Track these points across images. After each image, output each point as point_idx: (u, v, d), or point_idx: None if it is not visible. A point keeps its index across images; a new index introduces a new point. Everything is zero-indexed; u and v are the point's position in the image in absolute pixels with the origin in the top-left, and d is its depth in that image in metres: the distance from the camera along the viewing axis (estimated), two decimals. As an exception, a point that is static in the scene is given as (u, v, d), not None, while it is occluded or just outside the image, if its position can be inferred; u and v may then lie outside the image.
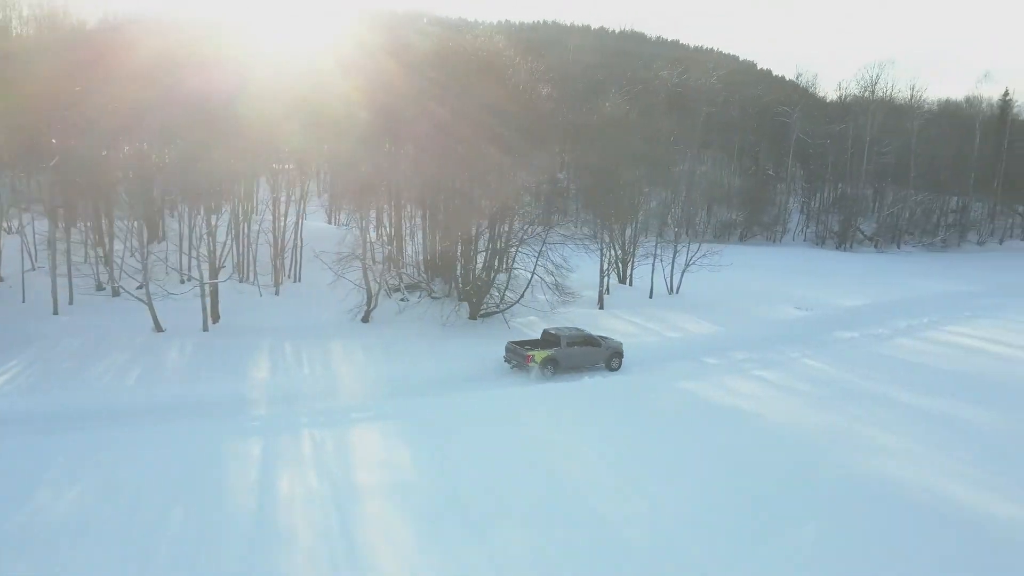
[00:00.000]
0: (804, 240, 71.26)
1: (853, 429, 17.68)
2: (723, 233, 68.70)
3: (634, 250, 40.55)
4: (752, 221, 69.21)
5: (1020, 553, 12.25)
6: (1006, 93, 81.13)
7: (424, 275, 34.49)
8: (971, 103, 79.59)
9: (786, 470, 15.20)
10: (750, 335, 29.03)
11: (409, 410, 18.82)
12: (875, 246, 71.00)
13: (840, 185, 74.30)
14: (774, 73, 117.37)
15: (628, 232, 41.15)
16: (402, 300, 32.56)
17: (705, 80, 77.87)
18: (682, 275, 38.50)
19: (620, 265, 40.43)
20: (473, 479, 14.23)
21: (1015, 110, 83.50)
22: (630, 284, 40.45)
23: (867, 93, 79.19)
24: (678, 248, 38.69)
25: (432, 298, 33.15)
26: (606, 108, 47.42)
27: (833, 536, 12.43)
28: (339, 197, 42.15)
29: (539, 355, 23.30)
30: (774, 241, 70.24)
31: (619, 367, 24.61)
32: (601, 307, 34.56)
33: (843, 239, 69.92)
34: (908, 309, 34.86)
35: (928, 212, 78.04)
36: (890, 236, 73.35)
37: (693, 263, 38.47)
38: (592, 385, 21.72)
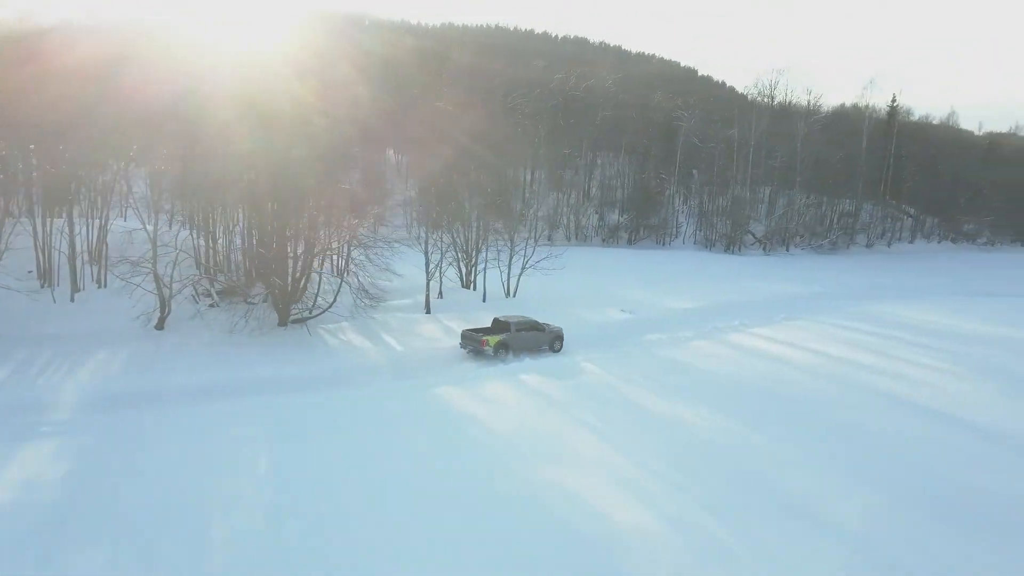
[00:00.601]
0: (694, 243, 71.95)
1: (538, 439, 17.24)
2: (611, 236, 69.06)
3: (476, 254, 39.99)
4: (639, 224, 69.58)
5: (615, 554, 11.87)
6: (893, 99, 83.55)
7: (243, 279, 33.45)
8: (858, 109, 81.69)
9: (462, 480, 14.70)
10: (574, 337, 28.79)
11: (107, 426, 17.71)
12: (763, 249, 72.15)
13: (731, 188, 75.28)
14: (717, 80, 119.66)
15: (472, 235, 40.58)
16: (212, 306, 31.48)
17: (598, 83, 78.32)
18: (518, 278, 38.12)
19: (462, 268, 39.89)
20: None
21: (903, 116, 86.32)
22: (473, 288, 39.92)
23: (764, 98, 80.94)
24: (515, 251, 38.22)
25: (248, 303, 32.12)
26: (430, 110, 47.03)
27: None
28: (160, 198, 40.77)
29: (492, 340, 25.68)
30: (663, 244, 70.79)
31: (560, 349, 27.45)
32: (428, 311, 33.96)
33: (731, 242, 70.82)
34: (734, 311, 35.08)
35: (821, 216, 79.84)
36: (780, 239, 74.69)
37: (530, 266, 38.14)
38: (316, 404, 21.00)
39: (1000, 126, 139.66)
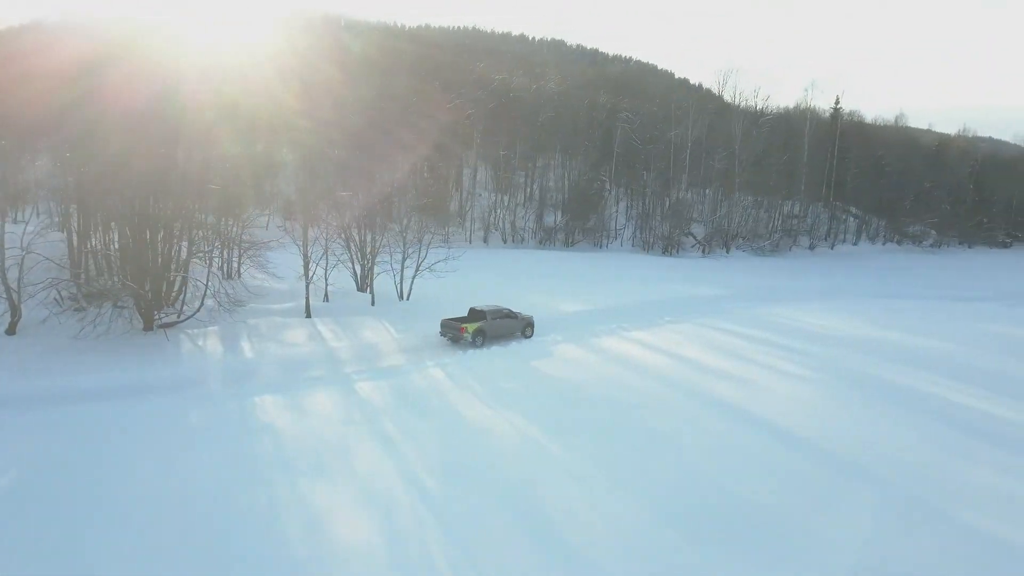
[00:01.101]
0: (632, 246, 71.54)
1: (324, 452, 16.56)
2: (548, 239, 68.48)
3: (373, 256, 39.06)
4: (575, 227, 69.07)
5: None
6: (836, 101, 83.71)
7: (113, 282, 32.46)
8: (801, 111, 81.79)
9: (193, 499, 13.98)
10: (418, 344, 28.04)
11: None
12: (702, 251, 71.88)
13: (671, 190, 74.98)
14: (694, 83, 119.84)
15: (370, 237, 39.67)
16: (77, 309, 30.50)
17: (539, 86, 77.90)
18: (412, 282, 37.36)
19: (357, 270, 39.05)
20: None
21: (853, 118, 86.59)
22: (370, 291, 39.03)
23: (706, 100, 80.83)
24: (408, 253, 37.43)
25: (119, 307, 31.17)
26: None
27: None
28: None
29: (471, 327, 27.58)
30: (601, 247, 70.32)
31: (532, 335, 29.67)
32: (308, 315, 33.12)
33: (669, 244, 70.47)
34: (624, 314, 34.54)
35: (762, 217, 79.78)
36: (721, 241, 74.47)
37: (425, 269, 37.39)
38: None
39: (951, 129, 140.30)
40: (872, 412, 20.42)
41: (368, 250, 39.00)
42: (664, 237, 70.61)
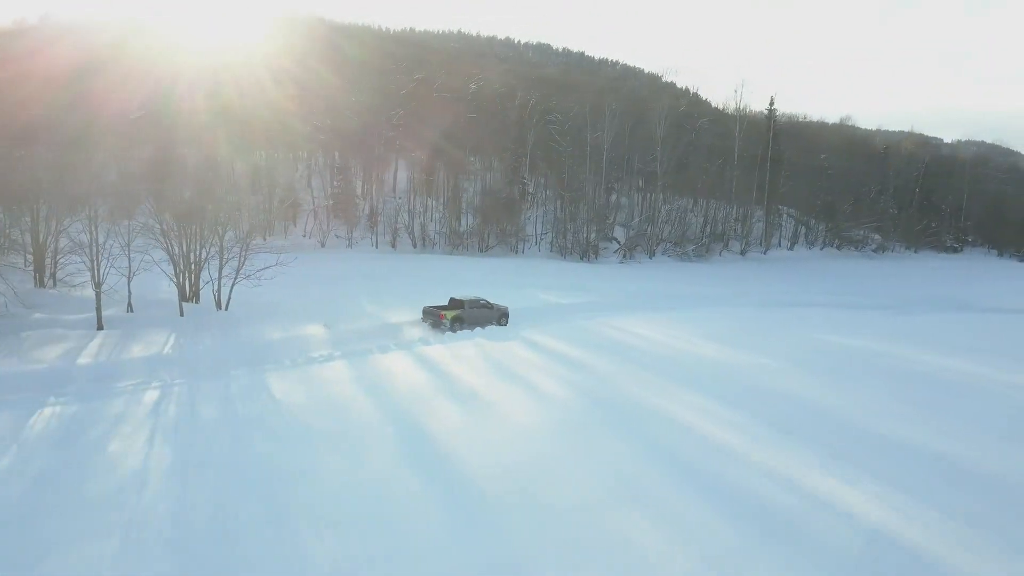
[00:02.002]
0: (551, 251, 69.12)
1: None
2: (460, 244, 66.05)
3: (199, 261, 36.46)
4: (487, 231, 66.65)
5: None
6: (771, 102, 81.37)
7: None
8: (731, 112, 79.51)
9: None
10: (201, 361, 25.50)
11: None
12: (621, 257, 69.46)
13: (592, 193, 72.58)
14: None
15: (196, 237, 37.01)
16: None
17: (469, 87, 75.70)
18: (231, 289, 34.79)
19: (181, 278, 36.45)
20: None
21: (799, 119, 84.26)
22: (197, 301, 36.49)
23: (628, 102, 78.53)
24: (227, 258, 34.80)
25: None
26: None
27: None
28: None
29: (449, 314, 29.99)
30: (517, 252, 67.89)
31: (506, 324, 31.97)
32: (100, 327, 30.62)
33: (587, 249, 68.05)
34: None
35: (699, 222, 77.46)
36: (646, 246, 72.08)
37: (245, 276, 34.78)
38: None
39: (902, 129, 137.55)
40: (583, 438, 17.80)
41: (191, 255, 36.44)
42: (582, 242, 68.15)
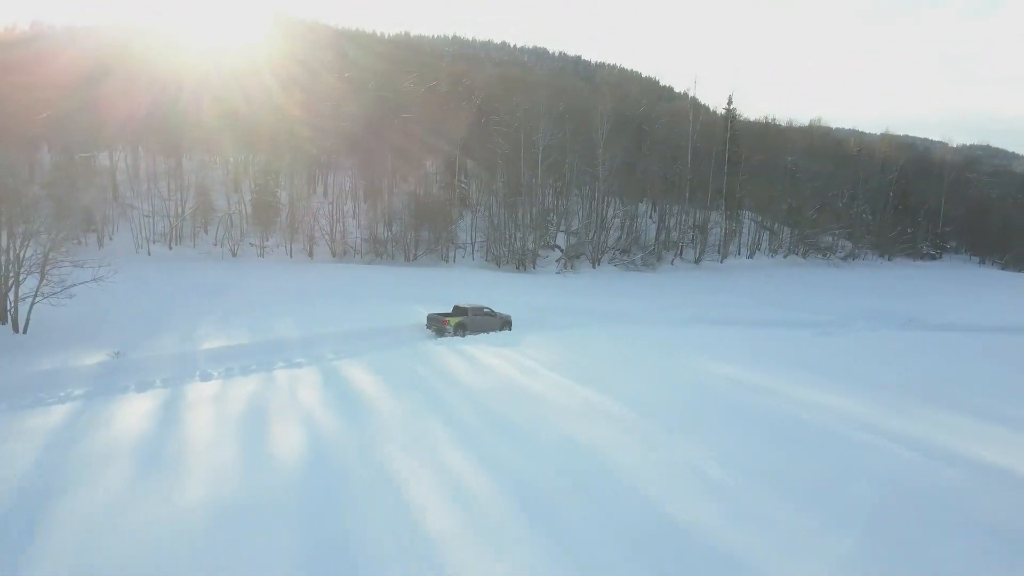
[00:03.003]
0: (486, 260, 64.26)
1: None
2: (383, 253, 61.23)
3: (17, 274, 31.26)
4: (412, 238, 61.82)
5: None
6: (729, 101, 76.51)
7: None
8: (684, 112, 74.53)
9: None
10: None
11: None
12: (561, 267, 64.59)
13: (533, 197, 67.74)
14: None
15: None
16: None
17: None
18: (30, 308, 29.91)
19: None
20: None
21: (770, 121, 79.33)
22: (11, 321, 31.42)
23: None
24: (23, 268, 29.83)
25: None
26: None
27: None
28: None
29: (453, 320, 31.39)
30: (447, 261, 63.04)
31: (510, 329, 33.82)
32: None
33: (523, 258, 63.19)
34: (267, 350, 27.27)
35: (655, 228, 72.60)
36: (591, 254, 67.25)
37: (44, 296, 29.88)
38: None
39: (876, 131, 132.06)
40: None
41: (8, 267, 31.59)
42: (518, 251, 63.27)
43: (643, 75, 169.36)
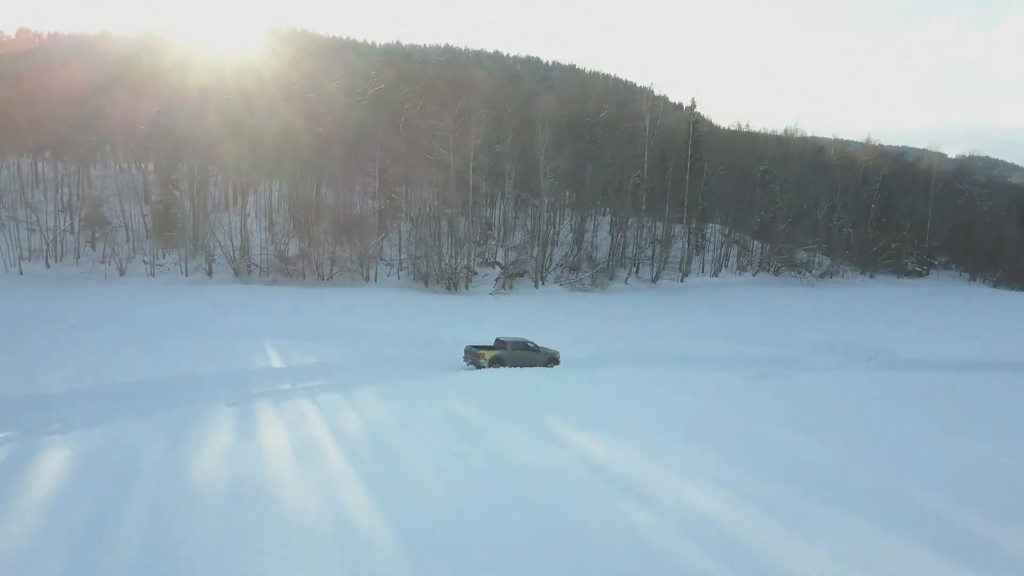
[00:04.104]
0: (413, 279, 57.45)
1: None
2: (292, 271, 54.41)
3: None
4: (320, 254, 55.08)
5: None
6: (692, 104, 69.92)
7: None
8: (641, 114, 67.88)
9: None
10: None
11: None
12: (498, 287, 57.82)
13: (464, 209, 61.08)
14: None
15: None
16: None
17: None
18: None
19: None
20: None
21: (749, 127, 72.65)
22: None
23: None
24: None
25: None
26: None
27: None
28: None
29: (488, 354, 30.26)
30: (368, 281, 56.24)
31: (557, 365, 31.71)
32: None
33: (454, 278, 56.42)
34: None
35: (612, 241, 65.90)
36: (535, 272, 60.49)
37: None
38: None
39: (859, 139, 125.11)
40: None
41: None
42: (448, 269, 56.49)
43: (638, 85, 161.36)
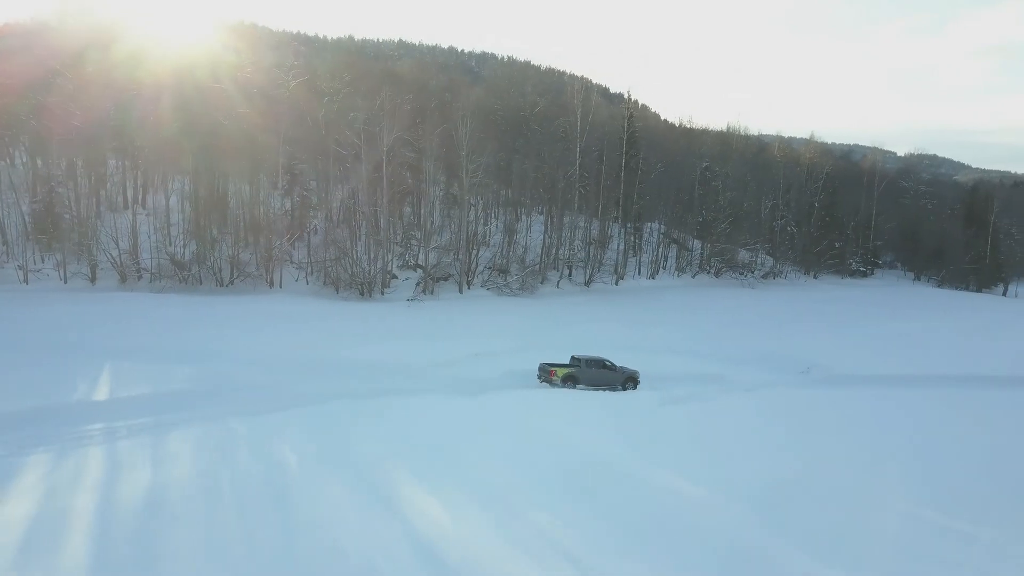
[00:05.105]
0: (323, 285, 52.92)
1: None
2: (187, 275, 49.49)
3: None
4: (234, 260, 50.40)
5: None
6: (629, 98, 66.66)
7: None
8: (571, 109, 64.26)
9: None
10: None
11: None
12: (418, 292, 53.70)
13: (379, 208, 56.74)
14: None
15: None
16: None
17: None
18: None
19: None
20: None
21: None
22: None
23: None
24: None
25: None
26: None
27: None
28: None
29: (560, 371, 29.83)
30: (273, 287, 51.62)
31: (634, 388, 30.62)
32: None
33: (368, 283, 52.12)
34: None
35: (547, 242, 62.22)
36: (459, 276, 56.52)
37: None
38: None
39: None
40: None
41: None
42: (360, 274, 52.14)
43: (593, 82, 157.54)
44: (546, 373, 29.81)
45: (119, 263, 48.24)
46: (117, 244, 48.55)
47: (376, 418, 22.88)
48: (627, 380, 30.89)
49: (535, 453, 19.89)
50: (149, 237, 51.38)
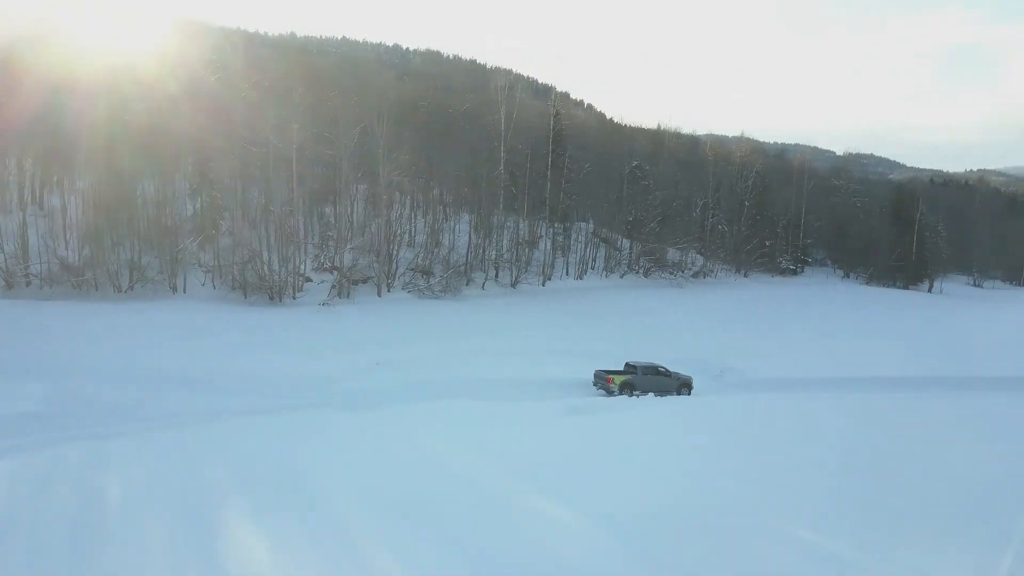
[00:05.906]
0: (232, 288, 50.26)
1: None
2: (79, 279, 46.28)
3: None
4: (132, 263, 47.39)
5: None
6: (554, 95, 65.22)
7: None
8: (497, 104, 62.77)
9: None
10: None
11: None
12: (332, 296, 51.46)
13: (285, 207, 54.34)
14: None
15: None
16: None
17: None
18: None
19: None
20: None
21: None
22: None
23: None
24: None
25: None
26: None
27: None
28: None
29: (618, 379, 30.52)
30: (176, 291, 48.78)
31: (689, 393, 31.45)
32: None
33: (277, 287, 49.69)
34: None
35: (477, 242, 60.43)
36: (380, 278, 54.43)
37: None
38: None
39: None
40: None
41: None
42: (268, 277, 49.66)
43: (540, 81, 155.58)
44: (603, 380, 30.25)
45: (3, 268, 44.79)
46: (2, 248, 45.07)
47: (235, 440, 20.82)
48: (682, 386, 31.66)
49: (400, 478, 18.15)
50: (40, 239, 47.92)
